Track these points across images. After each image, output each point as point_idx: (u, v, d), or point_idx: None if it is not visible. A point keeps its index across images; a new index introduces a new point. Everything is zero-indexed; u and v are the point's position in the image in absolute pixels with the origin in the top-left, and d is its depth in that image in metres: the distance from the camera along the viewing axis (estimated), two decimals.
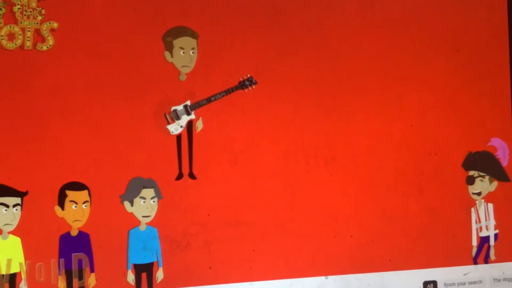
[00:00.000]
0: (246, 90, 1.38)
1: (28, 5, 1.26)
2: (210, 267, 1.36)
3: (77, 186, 1.29)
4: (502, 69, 1.53)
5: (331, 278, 1.42)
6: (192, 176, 1.35)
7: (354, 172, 1.44)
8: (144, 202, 1.32)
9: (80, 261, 1.29)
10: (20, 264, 1.26)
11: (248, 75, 1.38)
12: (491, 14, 1.53)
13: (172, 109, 1.34)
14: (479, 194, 1.52)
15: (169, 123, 1.34)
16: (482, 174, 1.52)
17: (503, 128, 1.53)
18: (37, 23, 1.27)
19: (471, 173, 1.51)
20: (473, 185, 1.51)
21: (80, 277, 1.29)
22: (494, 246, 1.52)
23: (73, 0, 1.29)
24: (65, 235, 1.28)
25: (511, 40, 1.53)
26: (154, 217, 1.33)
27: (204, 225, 1.35)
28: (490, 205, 1.53)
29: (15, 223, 1.26)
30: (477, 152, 1.51)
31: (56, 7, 1.28)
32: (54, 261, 1.28)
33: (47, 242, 1.28)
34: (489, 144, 1.52)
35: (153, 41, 1.33)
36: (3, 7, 1.25)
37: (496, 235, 1.53)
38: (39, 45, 1.27)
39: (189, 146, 1.35)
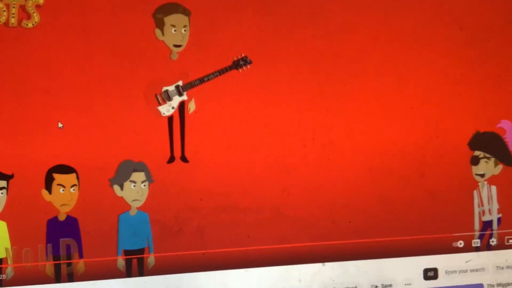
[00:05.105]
0: (240, 70, 1.34)
1: None
2: (203, 253, 1.33)
3: (65, 169, 1.25)
4: (508, 49, 1.48)
5: (328, 265, 1.39)
6: (184, 159, 1.31)
7: (353, 156, 1.40)
8: (134, 186, 1.29)
9: (68, 247, 1.26)
10: (6, 249, 1.23)
11: (243, 55, 1.34)
12: None
13: (163, 90, 1.30)
14: (482, 175, 1.48)
15: (160, 104, 1.30)
16: (487, 155, 1.48)
17: (508, 110, 1.49)
18: None
19: (477, 153, 1.48)
20: (477, 166, 1.48)
21: (69, 263, 1.26)
22: (497, 231, 1.49)
23: None
24: (52, 219, 1.25)
25: None
26: (145, 202, 1.30)
27: (196, 210, 1.32)
28: (493, 188, 1.49)
29: (0, 207, 1.23)
30: (485, 132, 1.48)
31: None
32: (41, 247, 1.25)
33: (34, 227, 1.24)
34: (498, 125, 1.49)
35: (143, 18, 1.28)
36: None
37: (499, 220, 1.49)
38: (24, 22, 1.23)
39: (181, 128, 1.31)
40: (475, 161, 1.48)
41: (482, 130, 1.48)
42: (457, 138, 1.47)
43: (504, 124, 1.49)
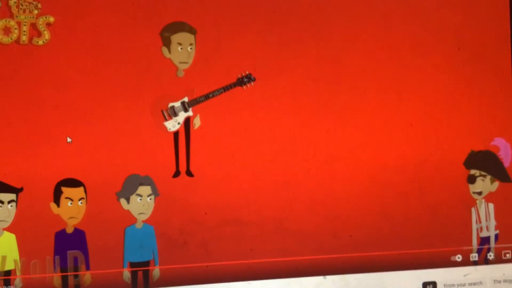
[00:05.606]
0: (244, 87, 1.36)
1: None
2: (207, 266, 1.34)
3: (73, 183, 1.27)
4: (504, 68, 1.51)
5: (330, 277, 1.41)
6: (189, 173, 1.33)
7: (354, 170, 1.42)
8: (140, 199, 1.31)
9: (75, 259, 1.27)
10: (15, 261, 1.25)
11: (247, 72, 1.36)
12: (493, 11, 1.51)
13: (169, 106, 1.32)
14: (479, 193, 1.50)
15: (166, 120, 1.32)
16: (483, 173, 1.50)
17: (505, 128, 1.51)
18: (33, 17, 1.25)
19: (473, 172, 1.49)
20: (474, 184, 1.49)
21: (76, 275, 1.27)
22: (494, 247, 1.50)
23: None
24: (60, 232, 1.27)
25: None
26: (150, 215, 1.31)
27: (201, 223, 1.34)
28: (491, 205, 1.51)
29: (10, 219, 1.24)
30: (479, 151, 1.50)
31: (53, 1, 1.26)
32: (49, 259, 1.26)
33: (42, 239, 1.26)
34: (492, 143, 1.50)
35: (150, 37, 1.31)
36: None
37: (496, 236, 1.51)
38: (35, 39, 1.26)
39: (186, 143, 1.33)
40: (472, 179, 1.50)
41: (476, 149, 1.50)
42: (456, 154, 1.49)
43: (498, 141, 1.51)
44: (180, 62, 1.33)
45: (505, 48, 1.52)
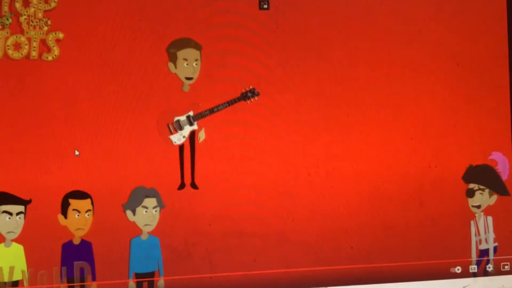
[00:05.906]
0: (248, 102, 1.39)
1: (35, 15, 1.28)
2: (211, 277, 1.36)
3: (80, 195, 1.30)
4: (502, 83, 1.53)
5: None
6: (194, 186, 1.35)
7: (355, 183, 1.44)
8: (146, 211, 1.33)
9: (82, 270, 1.29)
10: (23, 272, 1.27)
11: (251, 87, 1.39)
12: (491, 28, 1.53)
13: (175, 120, 1.35)
14: (478, 207, 1.52)
15: (172, 133, 1.35)
16: (482, 187, 1.52)
17: (503, 142, 1.53)
18: (43, 33, 1.28)
19: (471, 186, 1.51)
20: (472, 198, 1.51)
21: (82, 285, 1.29)
22: (493, 259, 1.52)
23: (78, 11, 1.30)
24: (67, 243, 1.29)
25: (510, 54, 1.53)
26: (156, 227, 1.33)
27: (205, 235, 1.36)
28: (490, 218, 1.52)
29: (18, 231, 1.27)
30: (477, 166, 1.52)
31: (62, 17, 1.29)
32: (56, 269, 1.28)
33: (50, 250, 1.28)
34: (490, 157, 1.52)
35: (157, 52, 1.34)
36: (10, 17, 1.27)
37: (495, 248, 1.52)
38: (44, 55, 1.28)
39: (191, 157, 1.35)
40: (471, 193, 1.51)
41: (474, 163, 1.51)
42: (455, 168, 1.50)
43: (496, 155, 1.53)
44: (185, 77, 1.35)
45: (503, 64, 1.54)
